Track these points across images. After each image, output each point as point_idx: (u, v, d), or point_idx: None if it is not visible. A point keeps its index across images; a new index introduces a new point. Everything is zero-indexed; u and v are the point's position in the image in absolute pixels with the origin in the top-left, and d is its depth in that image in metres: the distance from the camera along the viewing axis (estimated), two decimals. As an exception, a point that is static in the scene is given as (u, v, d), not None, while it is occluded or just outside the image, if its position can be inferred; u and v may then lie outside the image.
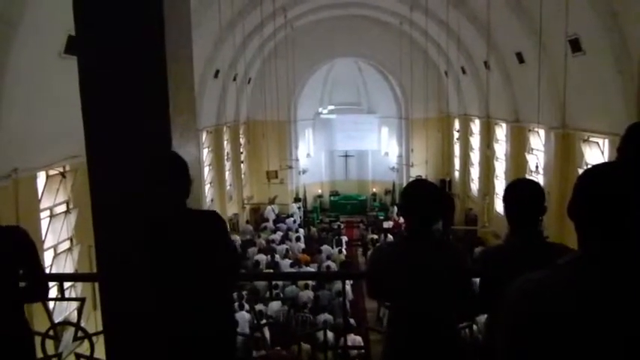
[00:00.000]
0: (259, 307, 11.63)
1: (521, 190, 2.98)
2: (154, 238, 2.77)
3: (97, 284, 3.22)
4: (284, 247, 18.00)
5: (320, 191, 29.24)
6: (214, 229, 2.87)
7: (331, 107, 28.33)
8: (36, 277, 3.08)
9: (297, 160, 27.34)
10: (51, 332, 3.95)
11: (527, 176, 16.05)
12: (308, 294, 12.98)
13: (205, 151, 20.09)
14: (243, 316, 11.01)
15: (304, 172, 28.21)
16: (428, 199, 3.02)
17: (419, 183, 3.21)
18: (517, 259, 2.87)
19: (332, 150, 29.66)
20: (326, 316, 11.36)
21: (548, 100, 13.75)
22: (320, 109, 28.45)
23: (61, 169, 10.19)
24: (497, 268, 2.94)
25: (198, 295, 2.77)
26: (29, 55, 8.19)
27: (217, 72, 18.90)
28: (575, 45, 12.14)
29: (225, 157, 22.37)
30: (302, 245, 18.65)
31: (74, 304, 8.35)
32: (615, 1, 10.33)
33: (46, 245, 9.74)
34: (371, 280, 3.28)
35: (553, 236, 12.95)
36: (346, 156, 29.83)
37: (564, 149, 14.13)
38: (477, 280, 3.25)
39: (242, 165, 24.62)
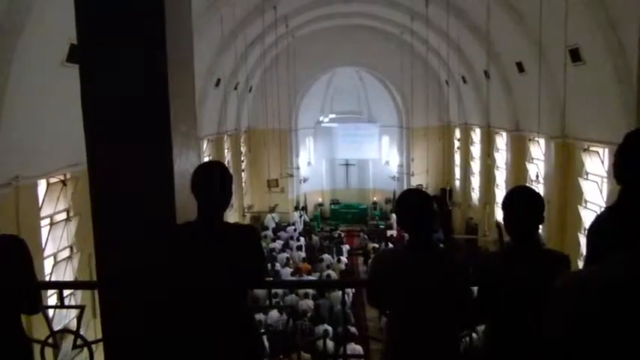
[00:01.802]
0: (259, 316, 11.60)
1: (520, 198, 2.98)
2: (184, 250, 2.81)
3: (96, 292, 3.22)
4: (284, 255, 17.96)
5: (321, 200, 29.24)
6: (246, 244, 2.89)
7: (332, 116, 28.40)
8: (29, 290, 3.05)
9: (297, 168, 27.36)
10: (50, 340, 3.94)
11: (528, 185, 16.05)
12: (308, 303, 12.94)
13: (206, 160, 20.08)
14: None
15: (305, 180, 28.23)
16: (421, 209, 3.03)
17: (410, 193, 3.22)
18: (514, 267, 2.87)
19: (333, 158, 29.68)
20: (325, 326, 11.32)
21: (549, 109, 13.78)
22: (321, 118, 28.52)
23: (62, 177, 10.20)
24: (493, 277, 2.94)
25: (220, 309, 2.80)
26: (31, 63, 8.23)
27: (218, 81, 18.94)
28: (575, 54, 12.18)
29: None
30: (302, 254, 18.61)
31: (74, 312, 8.33)
32: (614, 11, 10.38)
33: (46, 253, 9.73)
34: (370, 287, 3.29)
35: (553, 244, 12.93)
36: (347, 164, 29.85)
37: (564, 158, 14.13)
38: (476, 289, 3.25)
39: (243, 173, 24.62)
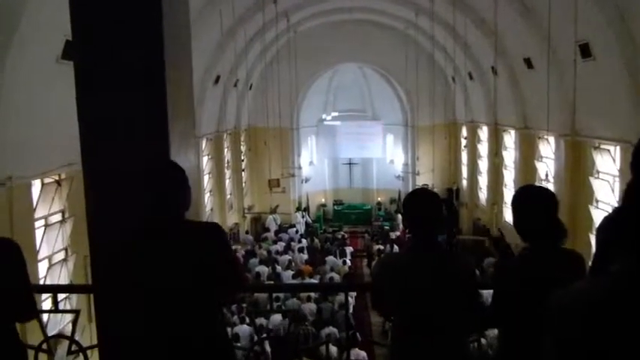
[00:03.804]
0: (260, 320, 11.59)
1: (534, 197, 2.95)
2: (147, 250, 2.75)
3: (92, 296, 3.22)
4: (286, 257, 17.95)
5: (323, 200, 29.21)
6: (213, 242, 2.85)
7: (335, 114, 28.35)
8: (24, 296, 2.98)
9: (299, 168, 27.35)
10: (44, 346, 3.94)
11: (537, 184, 16.03)
12: (310, 306, 12.93)
13: (205, 159, 20.11)
14: (243, 330, 10.98)
15: (307, 180, 28.21)
16: (429, 210, 3.01)
17: (419, 193, 3.20)
18: (532, 271, 2.84)
19: (335, 158, 29.66)
20: (331, 329, 11.32)
21: (558, 106, 13.75)
22: (323, 116, 28.49)
23: (57, 177, 10.20)
24: (511, 281, 2.90)
25: (190, 309, 2.75)
26: (26, 60, 8.24)
27: (218, 78, 18.95)
28: (585, 50, 12.15)
29: (226, 165, 22.38)
30: (305, 256, 18.60)
31: (68, 317, 8.33)
32: (625, 6, 10.35)
33: (40, 256, 9.74)
34: (375, 292, 3.27)
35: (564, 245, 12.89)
36: (350, 164, 29.82)
37: (575, 157, 14.10)
38: (485, 292, 3.23)
39: (243, 173, 24.62)
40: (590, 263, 2.62)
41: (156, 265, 2.71)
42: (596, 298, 1.46)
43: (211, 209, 20.61)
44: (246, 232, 22.95)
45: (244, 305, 12.57)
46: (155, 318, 2.76)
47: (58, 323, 9.09)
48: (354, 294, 14.06)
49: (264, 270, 16.04)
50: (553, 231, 2.87)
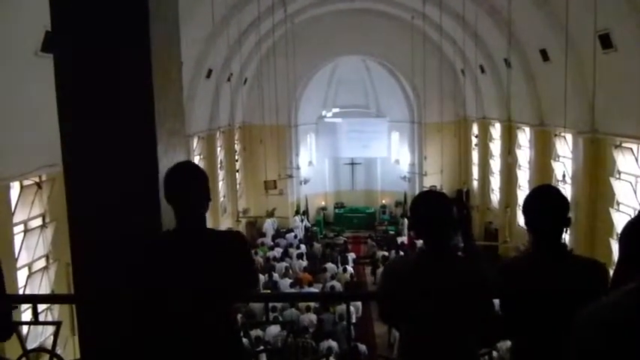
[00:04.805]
0: (255, 332, 11.57)
1: (544, 198, 2.97)
2: (160, 260, 2.77)
3: (74, 306, 3.21)
4: (283, 264, 17.96)
5: (323, 203, 29.20)
6: (233, 253, 2.87)
7: (336, 110, 28.33)
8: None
9: (298, 168, 27.34)
10: (23, 360, 3.94)
11: (550, 184, 16.03)
12: (310, 317, 12.92)
13: (196, 159, 20.09)
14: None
15: (306, 182, 28.20)
16: (439, 211, 3.01)
17: (427, 194, 3.21)
18: (540, 276, 2.85)
19: (336, 157, 29.62)
20: (330, 343, 11.30)
21: (576, 101, 13.74)
22: (323, 113, 28.48)
23: (37, 179, 10.20)
24: (518, 285, 2.91)
25: (202, 324, 2.77)
26: (2, 53, 8.23)
27: (210, 72, 18.94)
28: (606, 41, 12.15)
29: (219, 166, 22.37)
30: (304, 263, 18.60)
31: (50, 329, 8.32)
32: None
33: (19, 263, 9.73)
34: (382, 301, 3.26)
35: (582, 251, 12.90)
36: (352, 164, 29.81)
37: (594, 156, 14.10)
38: (497, 301, 3.23)
39: (237, 174, 24.61)
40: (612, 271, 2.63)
41: (178, 271, 2.74)
42: (622, 312, 1.46)
43: (203, 213, 20.57)
44: (241, 238, 22.90)
45: (239, 316, 12.57)
46: (171, 327, 2.78)
47: (39, 336, 9.08)
48: (357, 303, 14.11)
49: (260, 278, 16.03)
50: (559, 233, 2.90)
